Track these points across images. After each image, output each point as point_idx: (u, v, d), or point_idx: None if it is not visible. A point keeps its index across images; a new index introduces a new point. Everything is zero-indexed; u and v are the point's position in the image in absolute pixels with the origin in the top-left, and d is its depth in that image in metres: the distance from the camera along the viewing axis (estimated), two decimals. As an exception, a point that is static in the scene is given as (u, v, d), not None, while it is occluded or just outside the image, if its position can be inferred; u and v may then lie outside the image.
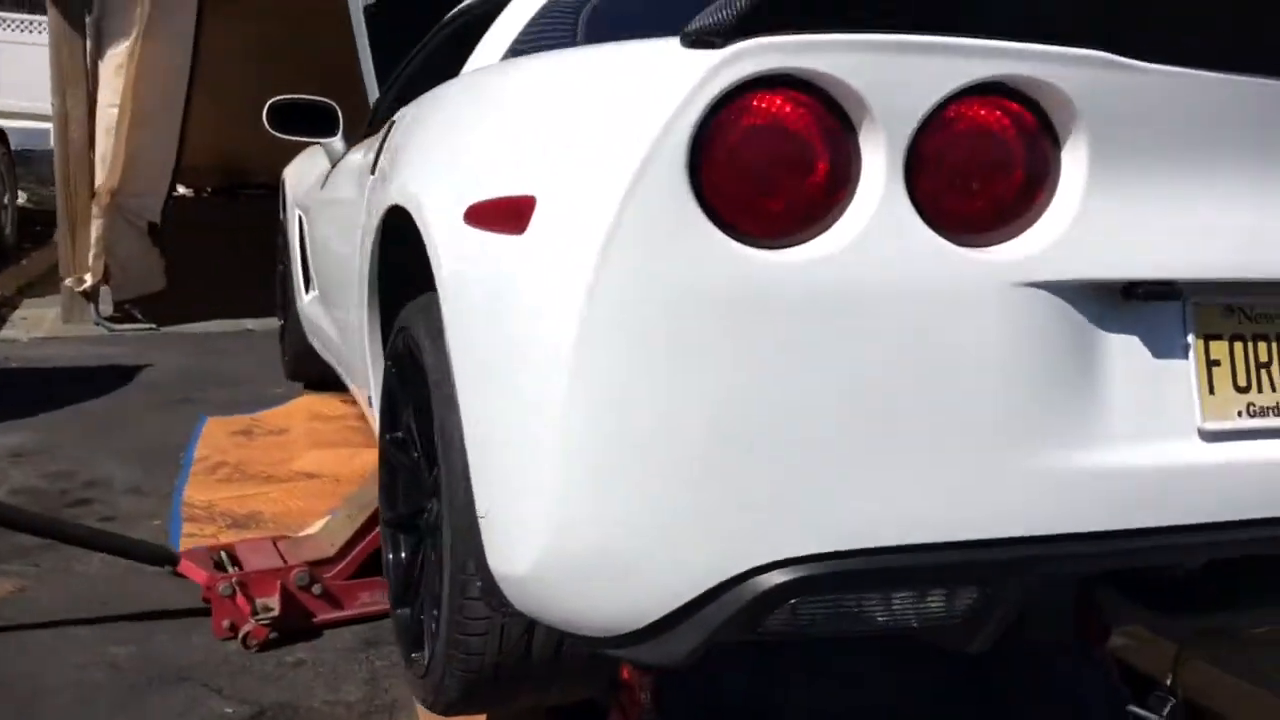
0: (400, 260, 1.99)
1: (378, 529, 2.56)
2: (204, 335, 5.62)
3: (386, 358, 1.90)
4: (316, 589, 2.48)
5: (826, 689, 1.80)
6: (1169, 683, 2.13)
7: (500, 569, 1.33)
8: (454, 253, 1.43)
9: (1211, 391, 1.29)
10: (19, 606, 2.52)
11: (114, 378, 4.66)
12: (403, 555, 1.96)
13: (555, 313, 1.17)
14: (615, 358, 1.13)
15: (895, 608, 1.20)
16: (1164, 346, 1.28)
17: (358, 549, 2.55)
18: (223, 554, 2.56)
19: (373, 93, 4.36)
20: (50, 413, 4.09)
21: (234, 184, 10.08)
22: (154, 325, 5.58)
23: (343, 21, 4.26)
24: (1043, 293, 1.19)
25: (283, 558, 2.53)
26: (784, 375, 1.12)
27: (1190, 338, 1.30)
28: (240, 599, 2.39)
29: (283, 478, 3.47)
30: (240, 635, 2.36)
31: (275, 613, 2.39)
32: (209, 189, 10.31)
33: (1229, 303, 1.33)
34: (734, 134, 1.11)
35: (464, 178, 1.44)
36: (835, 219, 1.15)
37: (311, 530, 2.81)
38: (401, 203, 1.68)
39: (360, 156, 2.73)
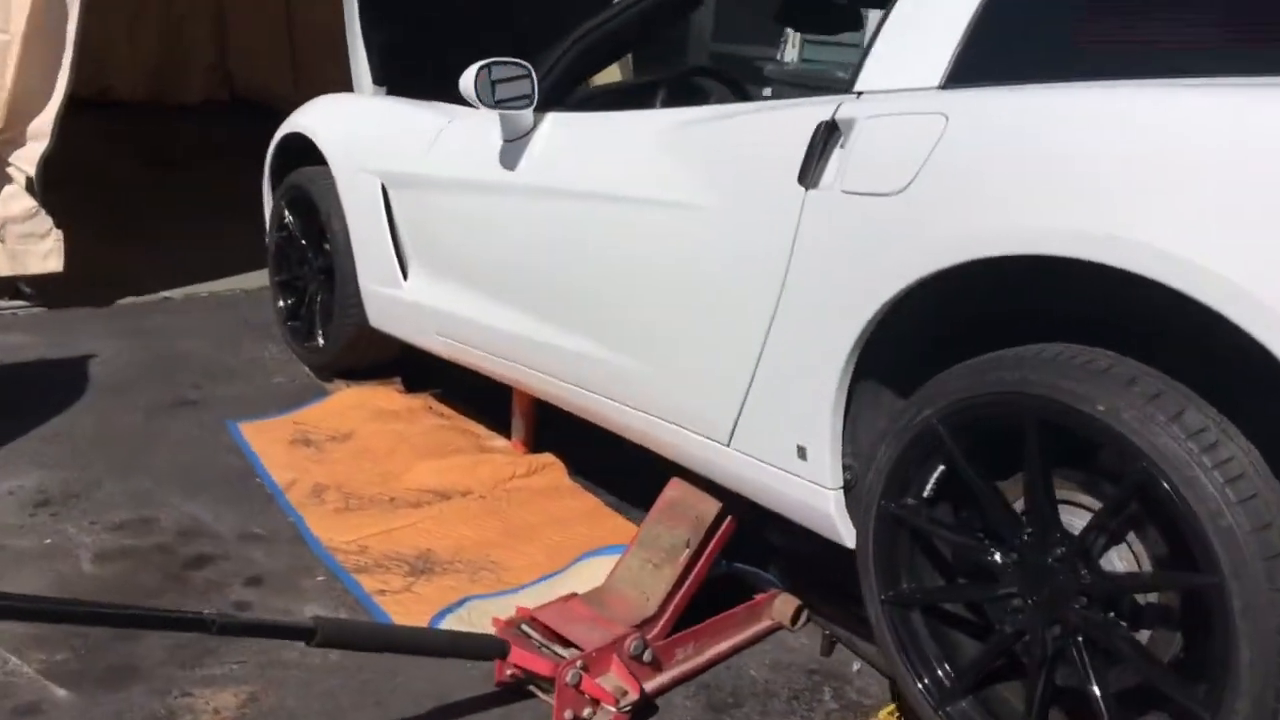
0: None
1: (692, 578, 2.26)
2: (113, 309, 4.68)
3: (938, 421, 1.60)
4: (647, 655, 2.14)
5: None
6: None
7: None
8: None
9: None
10: (274, 725, 2.00)
11: (60, 376, 3.79)
12: (928, 645, 1.73)
13: None
14: None
15: None
16: None
17: (675, 603, 2.23)
18: (524, 626, 2.14)
19: (355, 42, 3.74)
20: (21, 438, 3.24)
21: None
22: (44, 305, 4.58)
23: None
24: None
25: (598, 622, 2.16)
26: None
27: None
28: (587, 683, 2.02)
29: (409, 500, 2.97)
30: (597, 728, 2.00)
31: (635, 698, 2.04)
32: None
33: None
34: None
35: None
36: None
37: (577, 574, 2.44)
38: (1089, 255, 1.40)
39: (624, 142, 2.33)
